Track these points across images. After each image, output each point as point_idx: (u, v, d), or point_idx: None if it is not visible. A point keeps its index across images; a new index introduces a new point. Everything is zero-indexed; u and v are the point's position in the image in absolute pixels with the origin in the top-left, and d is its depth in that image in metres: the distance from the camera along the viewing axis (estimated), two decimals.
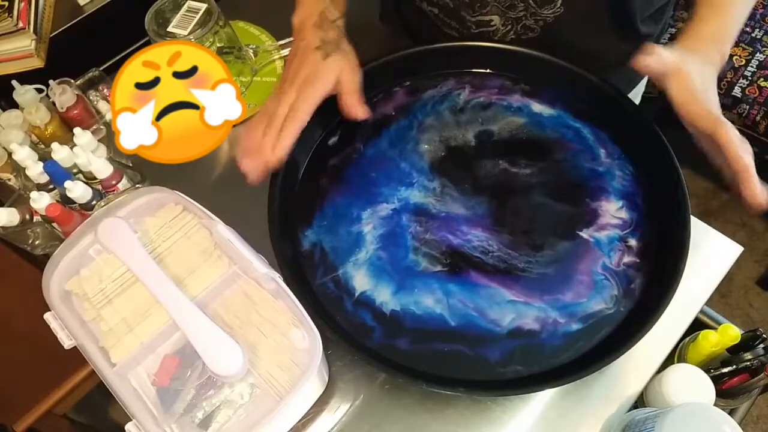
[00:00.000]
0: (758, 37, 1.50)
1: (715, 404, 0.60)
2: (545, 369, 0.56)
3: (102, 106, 0.86)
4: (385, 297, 0.60)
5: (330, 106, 0.65)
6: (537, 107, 0.70)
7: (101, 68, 0.89)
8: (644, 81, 0.91)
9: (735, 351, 0.64)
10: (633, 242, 0.62)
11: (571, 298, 0.59)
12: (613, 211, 0.63)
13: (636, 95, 0.92)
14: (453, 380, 0.56)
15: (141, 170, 0.77)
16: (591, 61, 0.71)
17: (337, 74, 0.63)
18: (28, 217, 0.73)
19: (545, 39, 0.72)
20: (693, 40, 0.59)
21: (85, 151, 0.72)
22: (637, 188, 0.65)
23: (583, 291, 0.59)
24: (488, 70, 0.73)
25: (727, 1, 0.60)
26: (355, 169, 0.68)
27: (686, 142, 0.60)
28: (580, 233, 0.62)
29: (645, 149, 0.65)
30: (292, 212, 0.65)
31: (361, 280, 0.61)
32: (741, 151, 0.52)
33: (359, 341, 0.58)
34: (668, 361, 0.65)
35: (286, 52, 0.92)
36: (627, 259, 0.61)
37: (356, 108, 0.64)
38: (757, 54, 1.47)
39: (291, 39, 0.68)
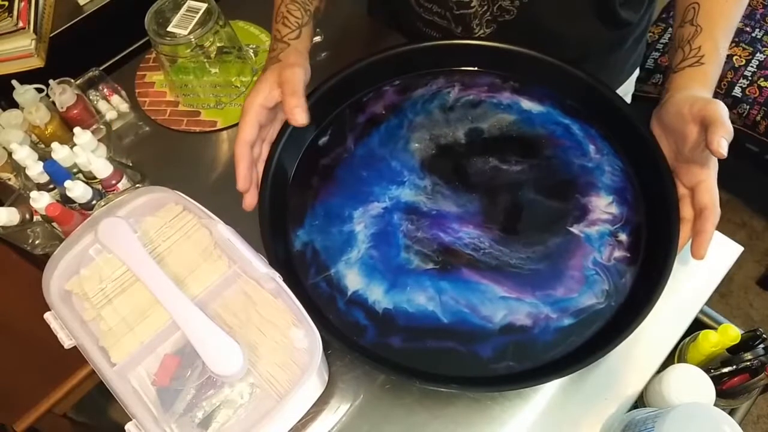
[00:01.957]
0: (758, 37, 1.50)
1: (715, 404, 0.59)
2: (538, 364, 0.57)
3: (102, 105, 0.86)
4: (378, 295, 0.60)
5: (320, 107, 0.66)
6: (526, 104, 0.71)
7: (101, 68, 0.89)
8: (633, 79, 0.91)
9: (735, 351, 0.64)
10: (623, 237, 0.62)
11: (563, 293, 0.59)
12: (603, 206, 0.64)
13: (625, 94, 0.92)
14: (446, 377, 0.56)
15: (141, 170, 0.77)
16: (571, 47, 0.70)
17: (272, 81, 0.62)
18: (28, 216, 0.73)
19: (522, 21, 0.72)
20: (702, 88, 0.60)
21: (85, 151, 0.72)
22: (626, 183, 0.65)
23: (574, 286, 0.60)
24: (477, 68, 0.74)
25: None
26: (346, 168, 0.68)
27: None
28: (571, 229, 0.63)
29: (634, 144, 0.65)
30: (284, 212, 0.65)
31: (353, 279, 0.61)
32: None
33: (352, 340, 0.58)
34: (668, 361, 0.65)
35: None
36: (617, 253, 0.61)
37: (294, 112, 0.60)
38: (757, 54, 1.46)
39: None
